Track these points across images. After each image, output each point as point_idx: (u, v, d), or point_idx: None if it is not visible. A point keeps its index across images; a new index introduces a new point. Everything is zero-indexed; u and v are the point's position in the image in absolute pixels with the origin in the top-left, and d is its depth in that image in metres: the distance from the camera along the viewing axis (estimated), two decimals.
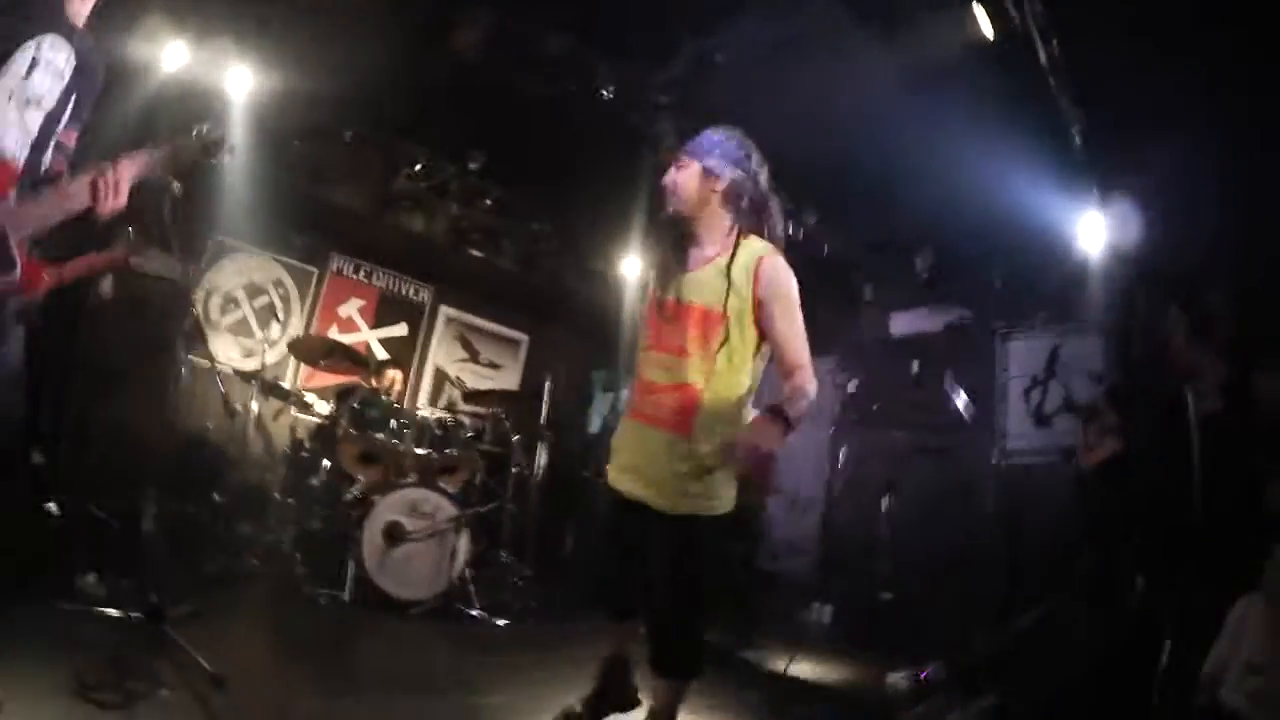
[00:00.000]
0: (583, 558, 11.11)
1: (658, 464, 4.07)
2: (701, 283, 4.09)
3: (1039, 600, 7.55)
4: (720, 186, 4.14)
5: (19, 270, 3.17)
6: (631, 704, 4.51)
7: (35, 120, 3.25)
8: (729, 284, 3.99)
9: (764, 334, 4.05)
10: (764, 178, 4.25)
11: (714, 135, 4.28)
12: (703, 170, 4.17)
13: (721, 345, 4.00)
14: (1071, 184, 8.58)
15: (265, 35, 8.57)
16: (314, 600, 7.41)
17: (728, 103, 8.54)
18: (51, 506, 7.67)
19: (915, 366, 9.42)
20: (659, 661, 4.14)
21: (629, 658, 4.48)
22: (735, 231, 4.17)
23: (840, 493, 9.80)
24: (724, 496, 4.04)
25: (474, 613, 7.93)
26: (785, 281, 4.02)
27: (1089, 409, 8.80)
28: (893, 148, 8.62)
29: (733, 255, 4.06)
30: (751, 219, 4.20)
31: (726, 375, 4.03)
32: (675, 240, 4.30)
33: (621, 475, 4.30)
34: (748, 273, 4.01)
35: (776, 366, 4.11)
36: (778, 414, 3.75)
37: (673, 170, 4.28)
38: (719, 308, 3.99)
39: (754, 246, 4.12)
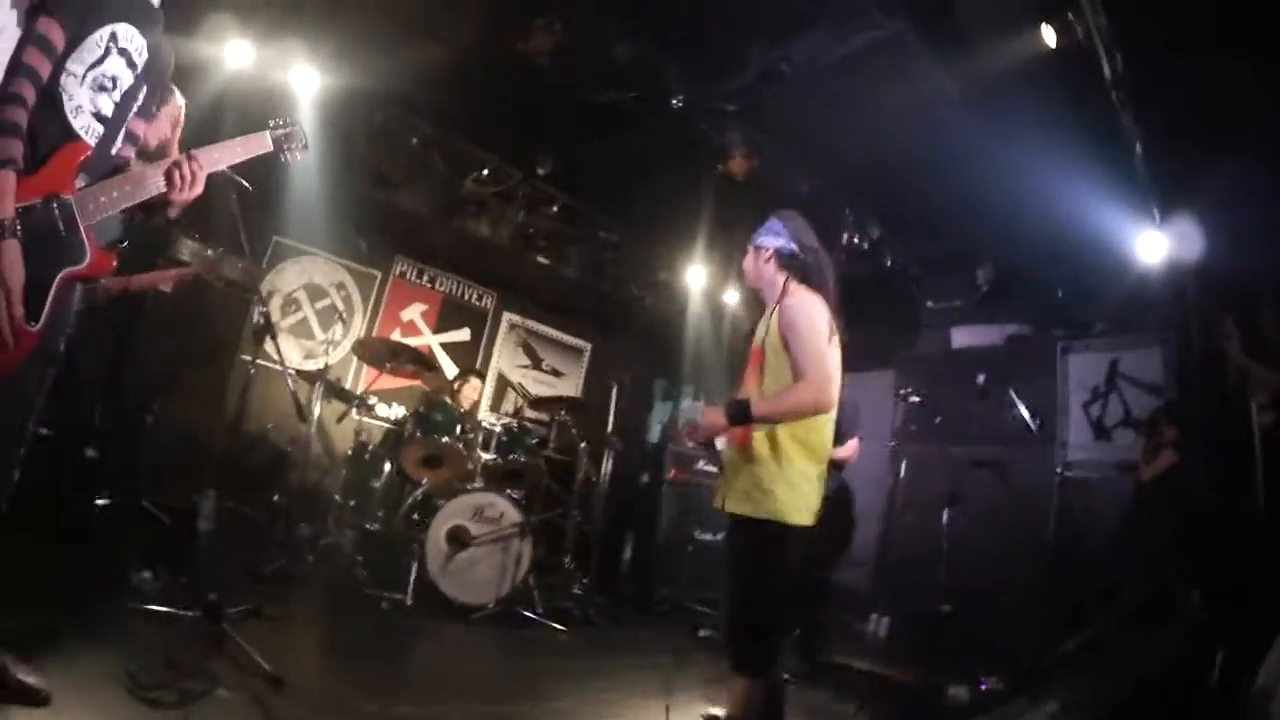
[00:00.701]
0: (639, 566, 11.08)
1: (727, 472, 4.82)
2: (759, 328, 4.96)
3: (1097, 613, 7.49)
4: (767, 256, 5.01)
5: (89, 258, 3.16)
6: None
7: (108, 105, 3.24)
8: (768, 326, 4.79)
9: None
10: (808, 238, 5.03)
11: (767, 223, 5.16)
12: (755, 249, 5.09)
13: (761, 371, 4.80)
14: (1132, 198, 8.52)
15: (332, 35, 8.57)
16: (375, 603, 7.39)
17: (795, 114, 8.56)
18: (103, 501, 7.71)
19: (981, 379, 9.36)
20: None
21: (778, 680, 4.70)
22: (784, 286, 4.92)
23: (901, 505, 9.76)
24: (762, 499, 4.50)
25: (536, 618, 7.96)
26: (795, 313, 4.65)
27: (1148, 423, 8.77)
28: (955, 161, 8.60)
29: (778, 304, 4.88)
30: (798, 272, 4.93)
31: (770, 395, 4.70)
32: (755, 304, 5.42)
33: None
34: (777, 315, 4.80)
35: None
36: (733, 405, 4.54)
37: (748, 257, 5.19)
38: (761, 344, 4.82)
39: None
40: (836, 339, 4.69)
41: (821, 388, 4.41)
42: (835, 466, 8.12)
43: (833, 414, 4.68)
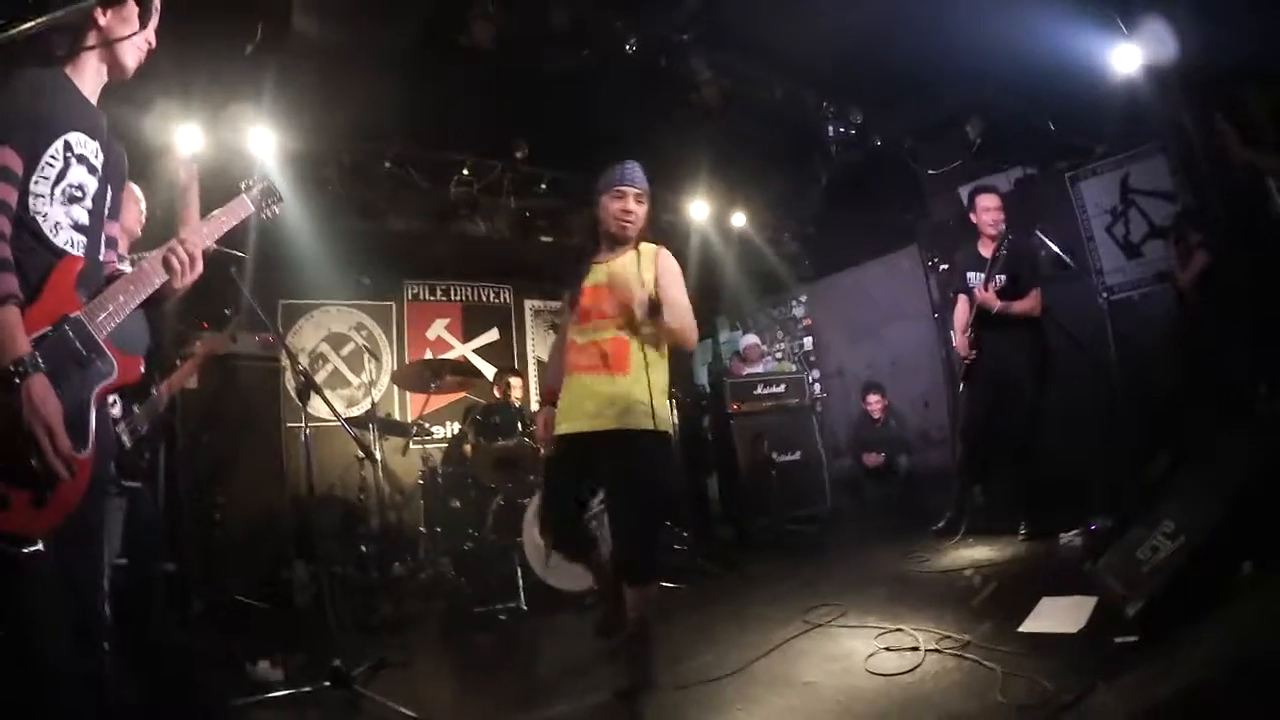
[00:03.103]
0: (730, 503, 11.16)
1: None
2: (628, 268, 5.15)
3: (1178, 427, 7.47)
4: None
5: (116, 368, 3.13)
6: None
7: (83, 215, 3.20)
8: (644, 270, 5.14)
9: None
10: None
11: (635, 169, 5.27)
12: (646, 196, 5.29)
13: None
14: (1095, 14, 8.57)
15: (277, 91, 8.52)
16: (492, 617, 7.40)
17: (749, 25, 8.54)
18: (195, 610, 7.74)
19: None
20: None
21: None
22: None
23: (962, 374, 9.74)
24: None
25: None
26: (671, 260, 5.26)
27: (1172, 230, 8.80)
28: (916, 26, 8.57)
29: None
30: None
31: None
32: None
33: None
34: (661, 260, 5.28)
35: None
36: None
37: (634, 203, 5.25)
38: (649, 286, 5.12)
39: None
40: None
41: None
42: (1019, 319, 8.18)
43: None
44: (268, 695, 5.29)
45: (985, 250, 8.50)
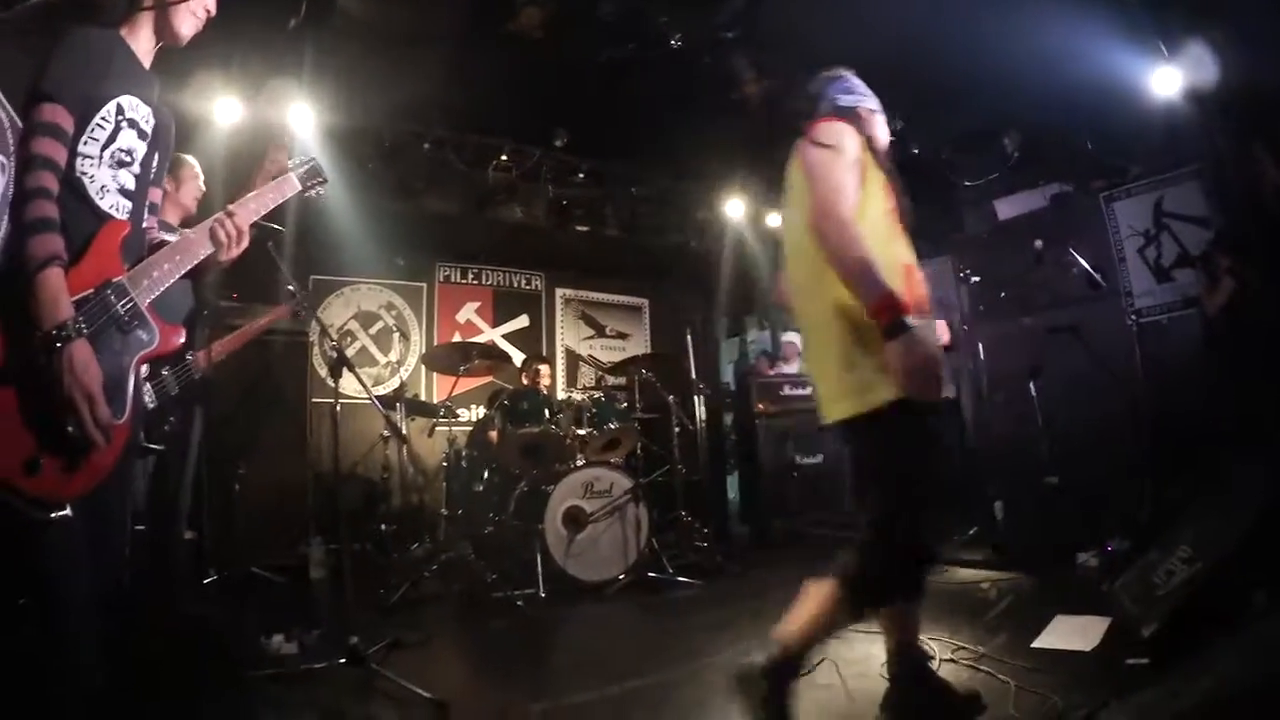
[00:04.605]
0: (749, 503, 11.20)
1: None
2: None
3: (1201, 452, 7.46)
4: None
5: (158, 336, 3.13)
6: None
7: (129, 180, 3.18)
8: None
9: None
10: None
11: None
12: None
13: None
14: (1138, 36, 8.56)
15: (322, 66, 8.54)
16: (510, 603, 7.39)
17: (793, 26, 8.51)
18: (210, 579, 7.75)
19: (1038, 245, 9.24)
20: None
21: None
22: None
23: (987, 387, 9.70)
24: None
25: (668, 579, 8.03)
26: None
27: (1202, 257, 8.74)
28: (960, 36, 8.52)
29: None
30: None
31: None
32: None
33: None
34: None
35: None
36: None
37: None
38: None
39: None
40: None
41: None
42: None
43: None
44: (282, 670, 5.28)
45: None
